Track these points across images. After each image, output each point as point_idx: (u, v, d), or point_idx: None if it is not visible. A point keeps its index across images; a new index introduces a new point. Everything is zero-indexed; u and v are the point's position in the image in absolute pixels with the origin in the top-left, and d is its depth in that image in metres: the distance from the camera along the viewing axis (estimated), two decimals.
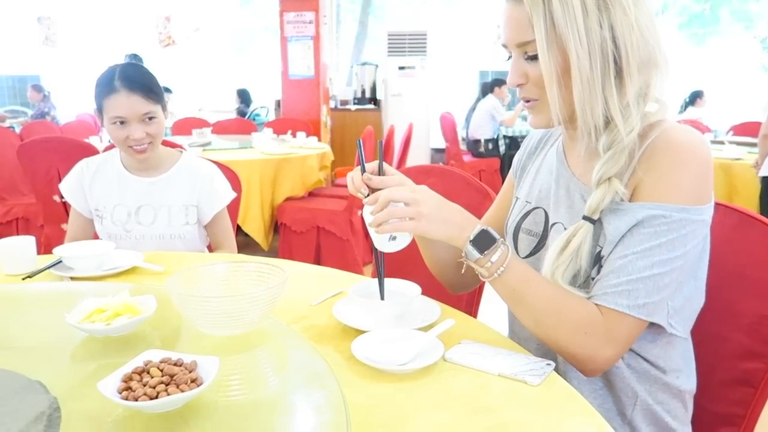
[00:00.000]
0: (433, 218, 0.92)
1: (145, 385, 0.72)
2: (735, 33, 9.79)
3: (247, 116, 7.02)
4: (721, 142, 4.49)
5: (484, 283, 1.14)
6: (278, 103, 6.69)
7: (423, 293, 1.06)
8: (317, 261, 3.68)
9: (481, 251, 0.91)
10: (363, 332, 0.94)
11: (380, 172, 1.01)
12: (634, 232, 0.89)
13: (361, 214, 0.99)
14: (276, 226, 3.76)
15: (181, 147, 1.93)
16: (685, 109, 6.82)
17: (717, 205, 0.96)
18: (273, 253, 3.77)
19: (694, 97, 6.84)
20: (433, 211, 0.93)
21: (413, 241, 1.01)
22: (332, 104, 6.89)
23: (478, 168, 6.11)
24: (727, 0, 9.90)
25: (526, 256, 1.07)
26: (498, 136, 6.63)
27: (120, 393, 0.71)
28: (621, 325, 0.88)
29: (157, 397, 0.70)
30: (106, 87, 1.59)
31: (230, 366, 0.86)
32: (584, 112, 0.91)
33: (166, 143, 1.76)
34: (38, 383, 0.78)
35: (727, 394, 1.04)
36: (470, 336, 0.97)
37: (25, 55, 8.34)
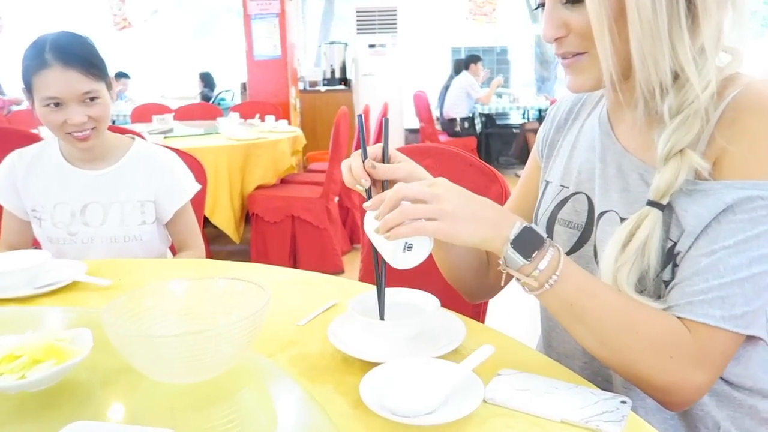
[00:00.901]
0: (459, 217, 0.70)
1: None
2: None
3: (211, 101, 6.70)
4: None
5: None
6: (244, 87, 6.37)
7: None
8: (293, 252, 3.45)
9: (527, 256, 0.69)
10: (370, 364, 0.72)
11: (384, 158, 0.78)
12: (722, 221, 0.68)
13: (363, 225, 0.74)
14: (247, 217, 3.51)
15: (135, 133, 1.66)
16: None
17: None
18: (245, 245, 3.53)
19: None
20: (459, 207, 0.70)
21: None
22: (301, 86, 6.59)
23: None
24: None
25: (566, 254, 0.86)
26: (474, 114, 6.46)
27: None
28: (714, 343, 0.68)
29: None
30: (35, 60, 1.31)
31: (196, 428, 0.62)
32: (645, 66, 0.70)
33: (122, 131, 1.50)
34: None
35: None
36: (504, 359, 0.75)
37: None
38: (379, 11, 6.69)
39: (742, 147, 0.68)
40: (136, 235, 1.45)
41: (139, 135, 1.64)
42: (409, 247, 0.72)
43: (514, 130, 6.99)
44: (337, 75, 7.00)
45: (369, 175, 0.77)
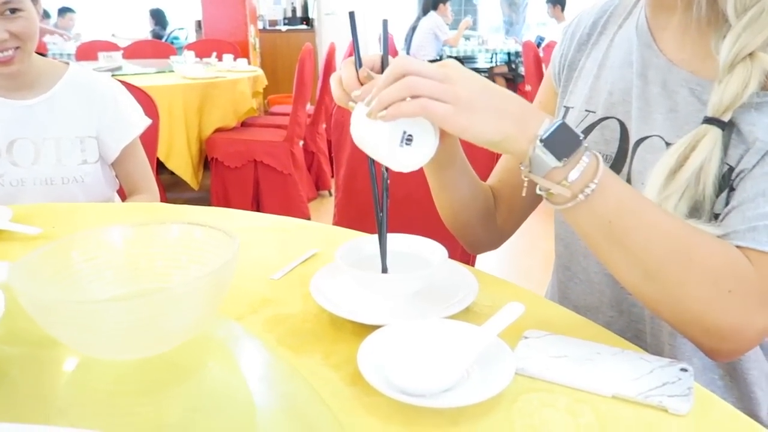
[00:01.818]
0: (476, 106, 0.54)
1: None
2: None
3: (163, 39, 6.29)
4: None
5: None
6: (199, 24, 5.99)
7: None
8: (256, 199, 3.27)
9: (559, 157, 0.54)
10: (367, 327, 0.58)
11: (384, 68, 0.62)
12: None
13: (350, 129, 0.57)
14: (206, 162, 3.29)
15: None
16: None
17: None
18: (205, 191, 3.33)
19: None
20: (477, 94, 0.54)
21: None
22: (260, 25, 6.23)
23: None
24: None
25: None
26: (441, 56, 6.24)
27: None
28: None
29: None
30: None
31: (141, 418, 0.47)
32: None
33: None
34: None
35: None
36: (526, 319, 0.61)
37: None
38: None
39: None
40: (75, 176, 1.25)
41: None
42: (409, 140, 0.56)
43: (483, 74, 6.81)
44: (299, 14, 6.65)
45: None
